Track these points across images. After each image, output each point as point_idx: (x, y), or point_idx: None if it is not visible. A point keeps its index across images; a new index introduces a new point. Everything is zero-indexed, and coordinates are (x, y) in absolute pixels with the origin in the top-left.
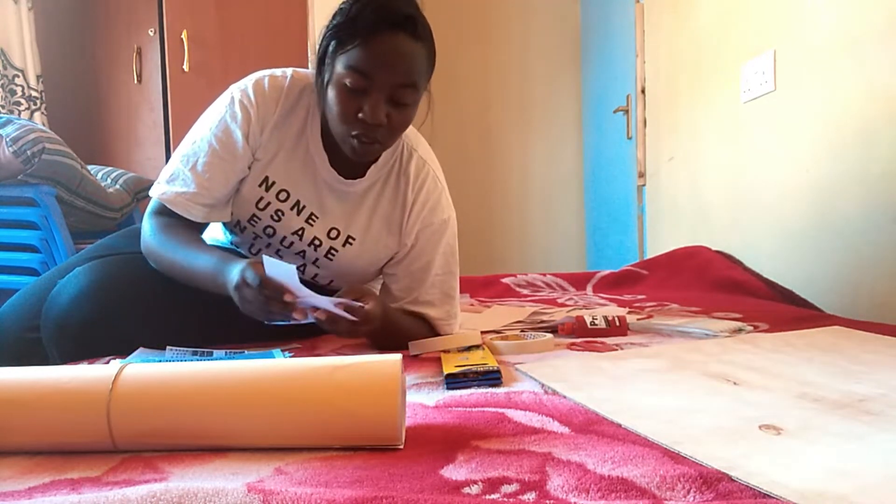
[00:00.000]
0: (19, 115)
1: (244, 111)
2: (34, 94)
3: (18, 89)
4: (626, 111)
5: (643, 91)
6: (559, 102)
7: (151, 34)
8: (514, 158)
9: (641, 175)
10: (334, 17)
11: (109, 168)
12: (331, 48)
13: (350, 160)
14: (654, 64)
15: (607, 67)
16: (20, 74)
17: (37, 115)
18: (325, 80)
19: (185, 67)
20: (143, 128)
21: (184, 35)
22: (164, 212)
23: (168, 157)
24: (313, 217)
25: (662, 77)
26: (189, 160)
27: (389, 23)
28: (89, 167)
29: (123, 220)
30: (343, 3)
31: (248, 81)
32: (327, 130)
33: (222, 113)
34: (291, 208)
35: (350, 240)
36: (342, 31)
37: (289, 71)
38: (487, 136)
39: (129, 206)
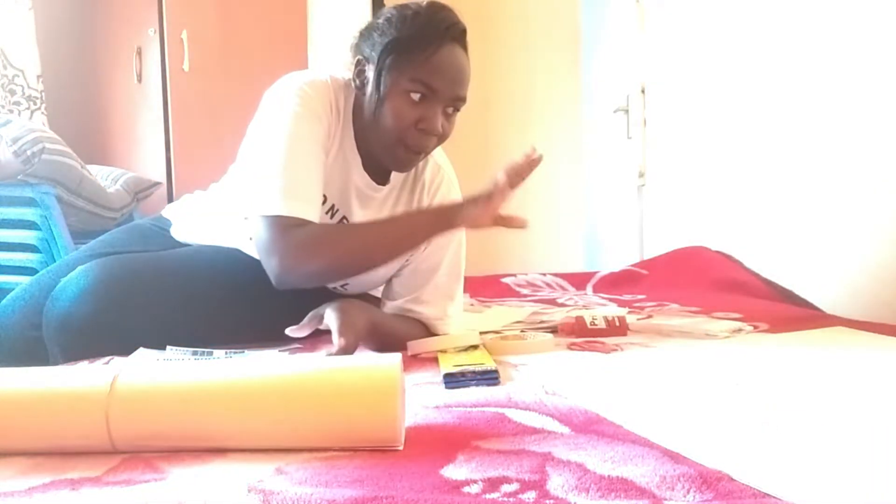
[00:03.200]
0: (19, 115)
1: (318, 116)
2: (34, 94)
3: (18, 89)
4: (626, 111)
5: (643, 91)
6: (559, 102)
7: (151, 34)
8: (514, 158)
9: (641, 175)
10: (389, 30)
11: (109, 168)
12: (389, 61)
13: (378, 168)
14: (654, 64)
15: (607, 67)
16: (20, 74)
17: (37, 115)
18: (382, 91)
19: (185, 67)
20: (143, 128)
21: (184, 35)
22: (295, 223)
23: (168, 157)
24: (344, 221)
25: (662, 77)
26: (290, 168)
27: (451, 37)
28: (89, 167)
29: (123, 220)
30: (398, 18)
31: (302, 85)
32: (360, 137)
33: (300, 116)
34: (327, 212)
35: None
36: (405, 44)
37: (324, 75)
38: (487, 136)
39: (129, 206)
